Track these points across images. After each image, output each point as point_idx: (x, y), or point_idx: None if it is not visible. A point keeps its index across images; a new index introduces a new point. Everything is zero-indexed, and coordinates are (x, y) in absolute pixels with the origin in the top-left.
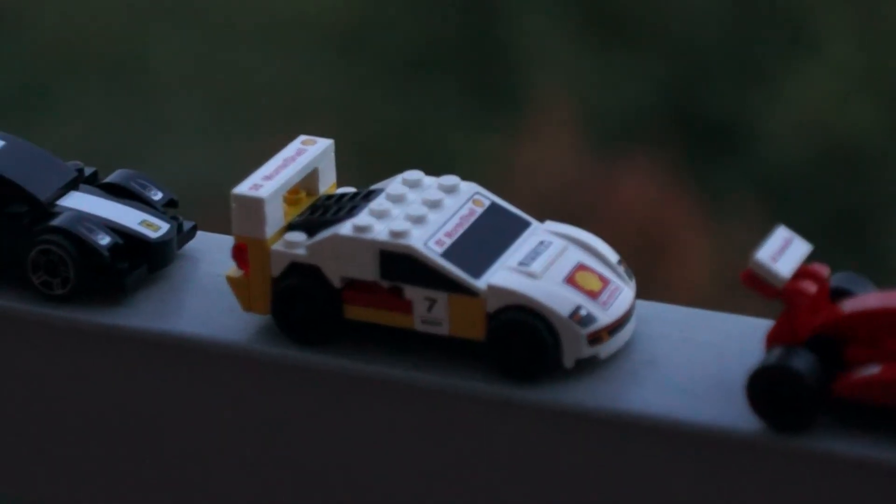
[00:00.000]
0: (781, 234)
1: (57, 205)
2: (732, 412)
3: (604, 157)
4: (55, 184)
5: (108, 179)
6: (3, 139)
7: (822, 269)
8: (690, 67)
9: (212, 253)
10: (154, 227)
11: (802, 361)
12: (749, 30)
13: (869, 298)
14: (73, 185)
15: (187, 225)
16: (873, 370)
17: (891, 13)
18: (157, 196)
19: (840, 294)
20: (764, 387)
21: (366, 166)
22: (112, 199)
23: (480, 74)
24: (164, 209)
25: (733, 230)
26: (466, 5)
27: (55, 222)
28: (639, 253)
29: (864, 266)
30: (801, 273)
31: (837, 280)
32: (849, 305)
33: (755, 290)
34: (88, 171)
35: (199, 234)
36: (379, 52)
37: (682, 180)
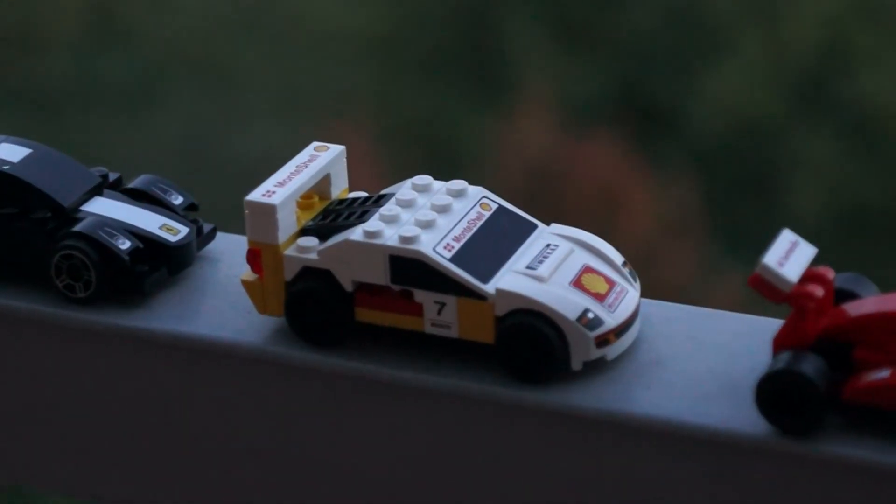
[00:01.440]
0: (787, 237)
1: (80, 210)
2: (741, 415)
3: (573, 134)
4: (78, 190)
5: (131, 185)
6: (29, 147)
7: (828, 272)
8: (638, 65)
9: (231, 255)
10: (174, 231)
11: (811, 366)
12: (681, 36)
13: (876, 301)
14: (96, 191)
15: (207, 227)
16: (883, 375)
17: (788, 22)
18: (178, 200)
19: (844, 295)
20: (773, 391)
21: (397, 145)
22: (134, 204)
23: (478, 71)
24: (185, 213)
25: (671, 188)
26: (466, 19)
27: (77, 228)
28: (599, 206)
29: (766, 215)
30: (808, 276)
31: (841, 281)
32: (855, 308)
33: (763, 294)
34: (113, 176)
35: (220, 235)
36: (402, 56)
37: (632, 151)
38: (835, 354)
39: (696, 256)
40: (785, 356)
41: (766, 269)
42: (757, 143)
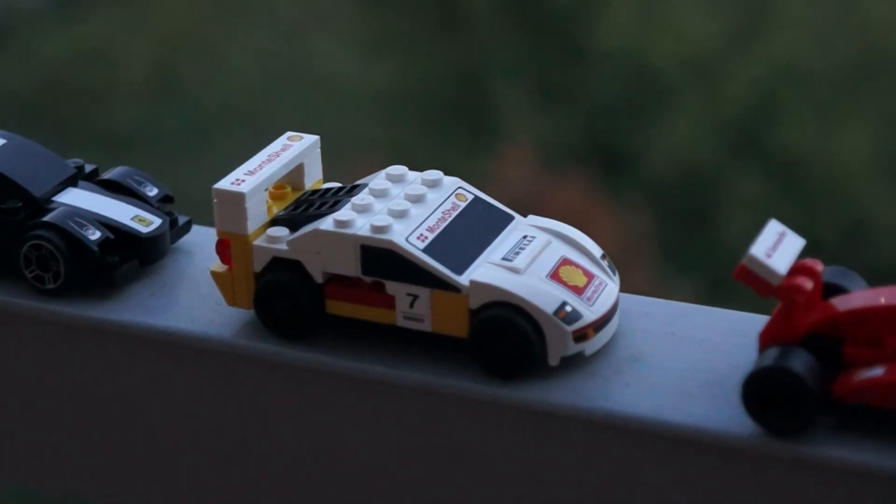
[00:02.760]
0: (774, 228)
1: (53, 201)
2: (724, 413)
3: (549, 173)
4: (52, 180)
5: (106, 176)
6: (3, 137)
7: (817, 265)
8: (602, 117)
9: (206, 247)
10: (146, 223)
11: (801, 362)
12: (637, 93)
13: (866, 295)
14: (71, 182)
15: (182, 220)
16: (877, 372)
17: (724, 83)
18: (153, 192)
19: (832, 290)
20: (760, 389)
21: None
22: (108, 196)
23: (471, 122)
24: (160, 205)
25: (628, 217)
26: (462, 80)
27: (46, 218)
28: None
29: (706, 240)
30: (796, 269)
31: (828, 275)
32: (845, 303)
33: (749, 286)
34: (89, 168)
35: (195, 228)
36: (408, 109)
37: (596, 187)
38: (824, 351)
39: (649, 273)
40: (773, 352)
41: (754, 260)
42: (698, 181)
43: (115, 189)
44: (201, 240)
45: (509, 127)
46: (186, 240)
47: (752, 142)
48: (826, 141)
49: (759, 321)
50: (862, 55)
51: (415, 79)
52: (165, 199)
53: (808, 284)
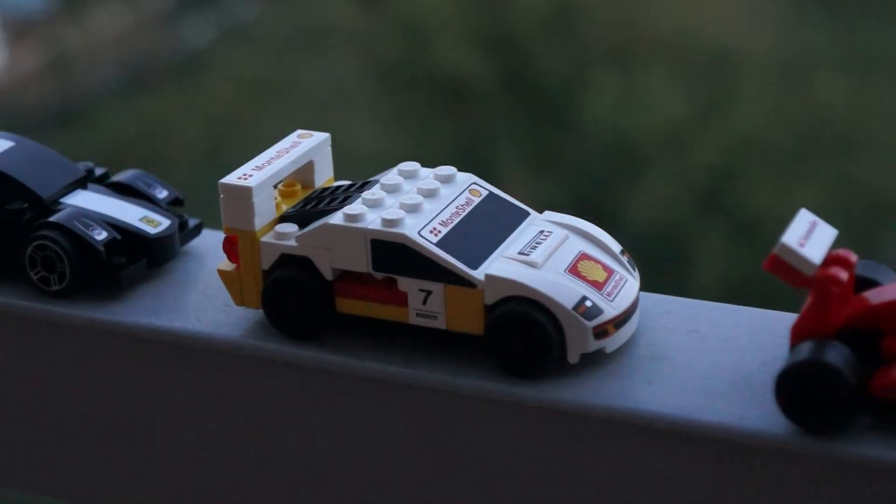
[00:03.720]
0: (805, 217)
1: (61, 202)
2: (755, 412)
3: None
4: (59, 182)
5: (116, 178)
6: (12, 140)
7: (851, 255)
8: (586, 180)
9: (217, 250)
10: (154, 224)
11: (838, 355)
12: (617, 159)
13: None
14: (79, 184)
15: (192, 222)
16: None
17: (694, 150)
18: (162, 194)
19: (864, 283)
20: (795, 385)
21: None
22: (117, 197)
23: (472, 164)
24: (169, 207)
25: None
26: (463, 149)
27: (52, 218)
28: None
29: (680, 287)
30: (830, 259)
31: (859, 269)
32: (881, 295)
33: (781, 278)
34: (100, 171)
35: (206, 232)
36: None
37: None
38: (860, 345)
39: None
40: (807, 346)
41: (787, 249)
42: (671, 235)
43: (125, 191)
44: (212, 243)
45: (507, 188)
46: (197, 243)
47: (717, 202)
48: (780, 200)
49: (785, 319)
50: (809, 129)
51: (425, 147)
52: (175, 202)
53: (843, 275)
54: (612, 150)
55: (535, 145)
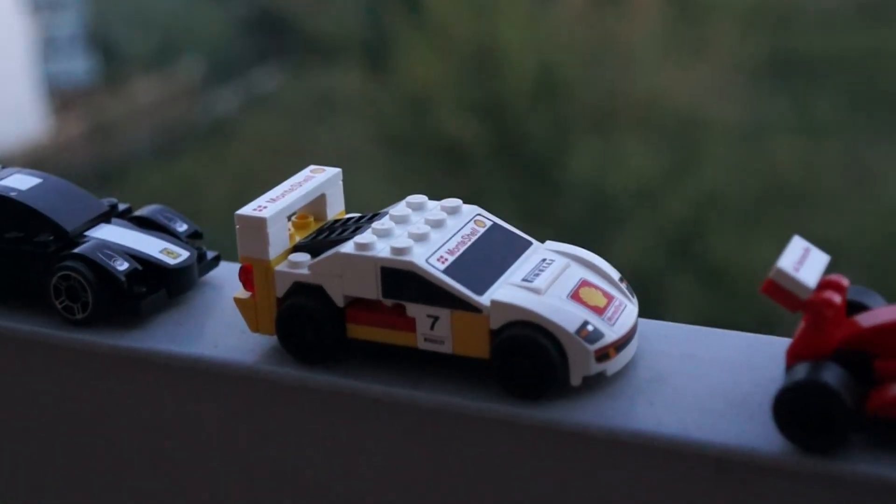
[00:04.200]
0: (799, 244)
1: (85, 235)
2: (753, 431)
3: None
4: (83, 216)
5: (138, 213)
6: (39, 177)
7: (843, 280)
8: (570, 232)
9: (234, 281)
10: (174, 255)
11: (834, 376)
12: (596, 213)
13: (894, 310)
14: (103, 219)
15: (210, 255)
16: None
17: (665, 204)
18: (182, 228)
19: (854, 308)
20: (793, 404)
21: None
22: (139, 231)
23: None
24: (189, 240)
25: None
26: (462, 196)
27: (76, 250)
28: None
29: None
30: (823, 284)
31: (851, 293)
32: (873, 318)
33: (776, 301)
34: (123, 207)
35: (224, 264)
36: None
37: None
38: (854, 366)
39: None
40: (804, 367)
41: (782, 273)
42: (645, 282)
43: (147, 225)
44: (229, 274)
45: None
46: (214, 274)
47: (687, 250)
48: (742, 249)
49: (778, 343)
50: (766, 186)
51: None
52: (195, 235)
53: (836, 298)
54: (593, 205)
55: (526, 200)
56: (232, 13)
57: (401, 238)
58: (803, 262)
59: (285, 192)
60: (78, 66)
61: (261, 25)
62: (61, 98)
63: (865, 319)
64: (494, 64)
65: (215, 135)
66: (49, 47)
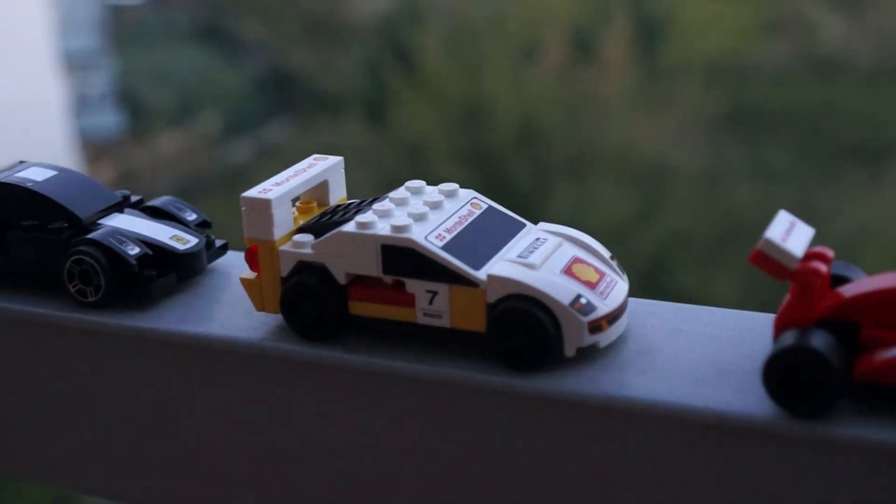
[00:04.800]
0: (785, 217)
1: (98, 223)
2: (743, 398)
3: None
4: (97, 206)
5: (150, 203)
6: (55, 170)
7: (829, 252)
8: None
9: (241, 267)
10: (183, 241)
11: (822, 341)
12: None
13: (877, 280)
14: (116, 208)
15: (218, 243)
16: None
17: (634, 244)
18: (192, 217)
19: (838, 281)
20: (783, 369)
21: None
22: (150, 219)
23: None
24: (198, 229)
25: None
26: None
27: (89, 235)
28: None
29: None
30: (809, 255)
31: (834, 268)
32: (857, 288)
33: (764, 271)
34: (135, 198)
35: (231, 252)
36: None
37: None
38: (840, 335)
39: None
40: (792, 334)
41: (770, 243)
42: None
43: (158, 215)
44: (236, 262)
45: None
46: (223, 261)
47: (655, 285)
48: (705, 283)
49: (765, 319)
50: (726, 227)
51: None
52: (203, 224)
53: (823, 268)
54: None
55: None
56: (247, 73)
57: (400, 217)
58: (790, 234)
59: (289, 177)
60: (108, 120)
61: (273, 83)
62: (93, 149)
63: (850, 289)
64: (482, 116)
65: (231, 181)
66: (82, 104)
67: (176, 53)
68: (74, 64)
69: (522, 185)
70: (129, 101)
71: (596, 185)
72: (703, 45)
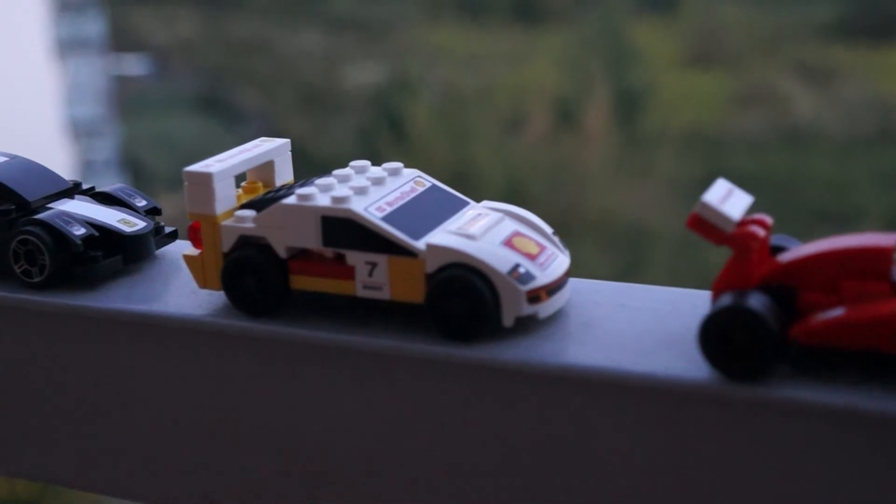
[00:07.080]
0: (723, 184)
1: (46, 207)
2: (681, 364)
3: None
4: (46, 190)
5: (101, 189)
6: (7, 156)
7: (767, 219)
8: None
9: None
10: (130, 224)
11: (759, 302)
12: None
13: (813, 246)
14: (67, 194)
15: (168, 230)
16: (837, 313)
17: None
18: (142, 203)
19: (776, 252)
20: (720, 331)
21: None
22: (100, 205)
23: None
24: (148, 215)
25: None
26: None
27: (35, 216)
28: None
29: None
30: (747, 221)
31: (773, 240)
32: (794, 254)
33: (702, 235)
34: (87, 186)
35: (179, 241)
36: None
37: None
38: (778, 299)
39: None
40: (729, 295)
41: (707, 206)
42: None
43: (109, 201)
44: (185, 249)
45: None
46: (171, 248)
47: None
48: None
49: (706, 296)
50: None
51: None
52: (153, 211)
53: (761, 232)
54: None
55: None
56: (242, 136)
57: (341, 190)
58: (728, 199)
59: (233, 155)
60: (112, 184)
61: None
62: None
63: (787, 256)
64: (469, 181)
65: None
66: (87, 169)
67: (177, 121)
68: (80, 131)
69: None
70: (132, 166)
71: (578, 249)
72: (680, 115)
